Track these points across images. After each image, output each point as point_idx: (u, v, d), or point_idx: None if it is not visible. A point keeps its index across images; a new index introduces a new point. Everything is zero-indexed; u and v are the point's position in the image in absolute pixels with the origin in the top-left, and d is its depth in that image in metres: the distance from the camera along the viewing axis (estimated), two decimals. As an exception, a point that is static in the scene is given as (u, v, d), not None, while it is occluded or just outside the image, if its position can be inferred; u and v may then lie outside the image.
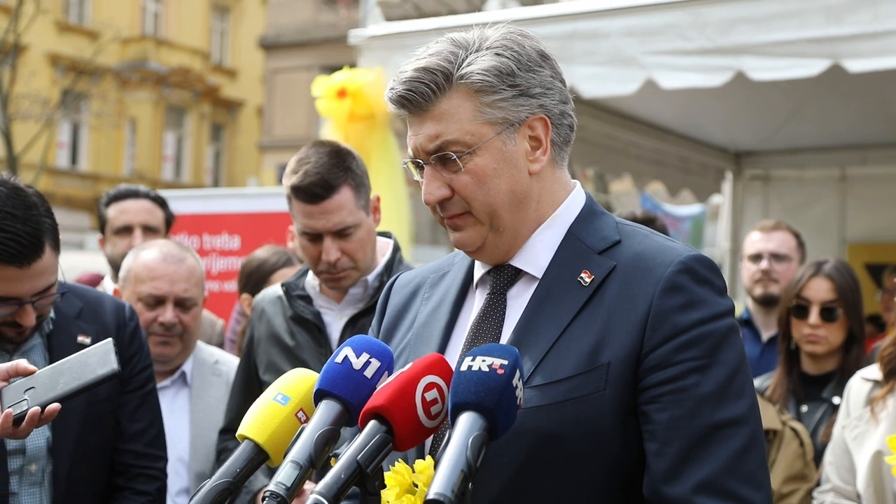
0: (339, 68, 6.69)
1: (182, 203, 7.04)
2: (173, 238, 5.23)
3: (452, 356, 2.07)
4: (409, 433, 1.83)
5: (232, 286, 7.03)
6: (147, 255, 4.00)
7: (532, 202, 2.13)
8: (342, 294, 3.59)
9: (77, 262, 10.14)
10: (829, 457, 3.96)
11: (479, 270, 2.21)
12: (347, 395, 1.89)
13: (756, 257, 5.43)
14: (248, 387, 3.72)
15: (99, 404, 3.20)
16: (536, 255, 2.14)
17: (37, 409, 2.80)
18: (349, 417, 1.88)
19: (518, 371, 1.81)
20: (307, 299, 3.64)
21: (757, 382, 4.48)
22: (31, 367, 2.88)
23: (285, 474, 1.75)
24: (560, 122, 2.15)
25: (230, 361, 4.20)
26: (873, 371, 3.90)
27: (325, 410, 1.87)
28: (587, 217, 2.17)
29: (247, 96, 40.38)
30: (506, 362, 1.79)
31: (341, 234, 3.46)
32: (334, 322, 3.59)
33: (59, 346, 3.22)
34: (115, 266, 4.64)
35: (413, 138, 2.11)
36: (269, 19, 38.07)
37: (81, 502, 3.23)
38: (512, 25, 2.15)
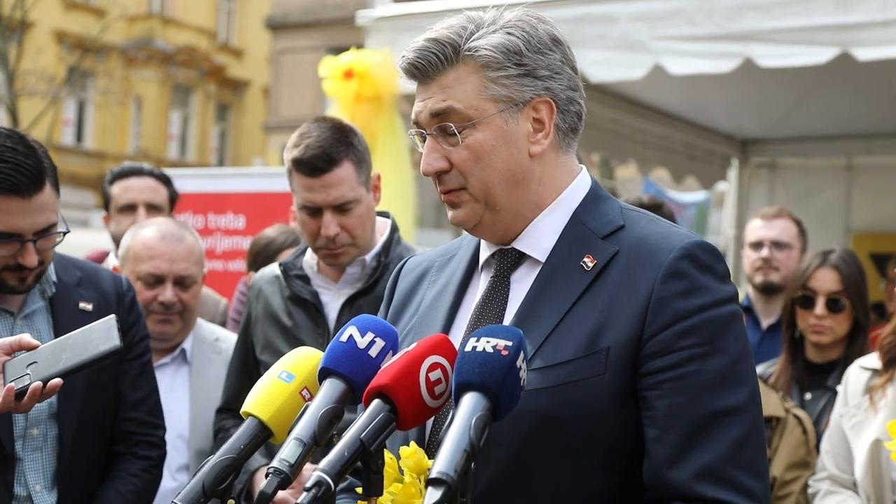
0: (346, 49, 6.67)
1: (187, 182, 7.01)
2: (177, 217, 5.23)
3: (456, 338, 2.08)
4: (412, 412, 1.83)
5: (236, 265, 7.03)
6: (146, 233, 4.00)
7: (532, 184, 2.13)
8: (340, 273, 3.57)
9: (82, 239, 10.10)
10: (825, 445, 3.96)
11: (485, 253, 2.21)
12: (352, 373, 1.89)
13: (757, 245, 5.42)
14: (245, 366, 3.72)
15: (103, 371, 3.21)
16: (540, 239, 2.14)
17: (38, 384, 2.81)
18: (353, 396, 1.89)
19: (522, 352, 1.81)
20: (305, 279, 3.62)
21: (760, 369, 4.48)
22: (35, 342, 2.89)
23: (289, 451, 1.76)
24: (567, 108, 2.15)
25: (230, 339, 4.18)
26: (872, 360, 3.90)
27: (330, 389, 1.87)
28: (592, 202, 2.17)
29: (253, 76, 40.28)
30: (510, 343, 1.80)
31: (341, 208, 3.44)
32: (332, 302, 3.58)
33: (61, 311, 3.24)
34: (120, 243, 4.66)
35: (417, 105, 2.13)
36: (276, -1, 38.05)
37: (85, 467, 3.26)
38: (529, 9, 2.15)
